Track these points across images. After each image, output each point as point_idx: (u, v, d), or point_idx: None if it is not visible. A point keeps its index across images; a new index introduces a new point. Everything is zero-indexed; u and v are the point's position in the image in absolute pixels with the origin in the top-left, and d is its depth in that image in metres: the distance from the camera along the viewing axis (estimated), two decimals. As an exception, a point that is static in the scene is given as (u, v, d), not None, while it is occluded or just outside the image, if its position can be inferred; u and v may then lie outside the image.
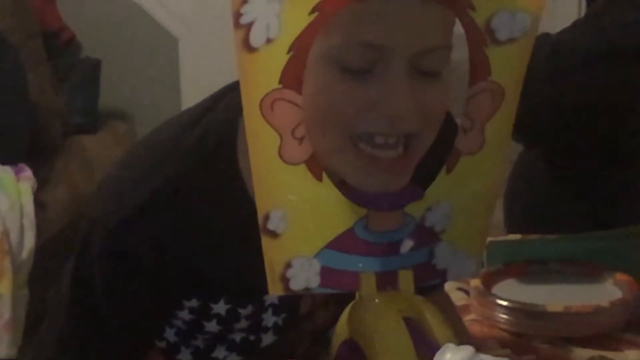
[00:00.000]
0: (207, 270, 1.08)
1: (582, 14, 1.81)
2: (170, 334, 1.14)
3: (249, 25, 0.88)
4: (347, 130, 0.94)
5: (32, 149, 2.81)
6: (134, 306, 1.09)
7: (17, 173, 2.56)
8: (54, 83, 3.15)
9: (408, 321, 0.94)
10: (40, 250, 2.50)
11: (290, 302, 1.14)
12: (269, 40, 0.89)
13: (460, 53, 0.98)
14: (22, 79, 2.84)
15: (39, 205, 2.60)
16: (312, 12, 0.89)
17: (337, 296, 1.02)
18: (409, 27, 0.92)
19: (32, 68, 2.98)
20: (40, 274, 2.46)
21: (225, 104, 1.10)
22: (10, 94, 2.76)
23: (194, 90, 3.39)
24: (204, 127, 1.08)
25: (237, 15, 0.88)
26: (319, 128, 0.94)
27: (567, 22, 1.79)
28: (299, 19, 0.89)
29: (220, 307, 1.11)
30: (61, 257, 1.20)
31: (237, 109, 0.96)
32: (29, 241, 2.46)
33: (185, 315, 1.11)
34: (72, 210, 2.81)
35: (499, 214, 1.78)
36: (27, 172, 2.59)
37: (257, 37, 0.88)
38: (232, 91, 1.08)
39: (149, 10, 3.59)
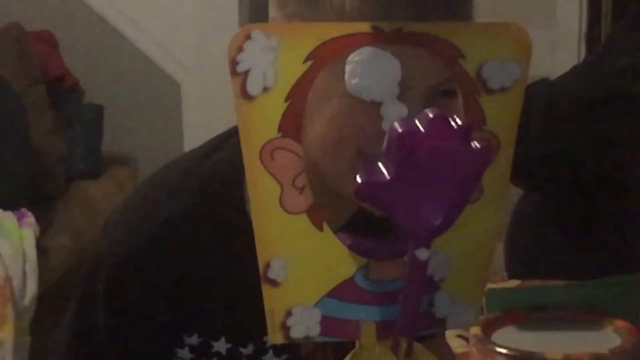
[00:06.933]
0: (209, 305, 1.08)
1: (582, 58, 1.83)
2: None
3: (246, 74, 0.89)
4: (364, 151, 0.96)
5: (35, 195, 2.82)
6: (136, 342, 1.09)
7: (19, 219, 2.57)
8: (56, 128, 3.16)
9: None
10: (43, 297, 2.50)
11: (292, 344, 1.15)
12: (265, 89, 0.89)
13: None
14: (24, 124, 2.85)
15: (42, 251, 2.60)
16: (307, 60, 0.90)
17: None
18: (420, 66, 0.94)
19: (35, 114, 3.00)
20: (42, 320, 2.46)
21: (233, 143, 1.10)
22: (11, 139, 2.77)
23: (197, 135, 3.40)
24: (212, 164, 1.10)
25: (234, 63, 0.88)
26: (335, 151, 0.96)
27: (566, 67, 1.81)
28: (294, 68, 0.90)
29: (221, 346, 1.11)
30: (64, 304, 1.20)
31: None
32: (32, 287, 2.46)
33: (185, 354, 1.11)
34: (75, 256, 2.81)
35: (498, 258, 1.78)
36: (30, 218, 2.59)
37: (254, 85, 0.89)
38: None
39: (151, 56, 3.60)
